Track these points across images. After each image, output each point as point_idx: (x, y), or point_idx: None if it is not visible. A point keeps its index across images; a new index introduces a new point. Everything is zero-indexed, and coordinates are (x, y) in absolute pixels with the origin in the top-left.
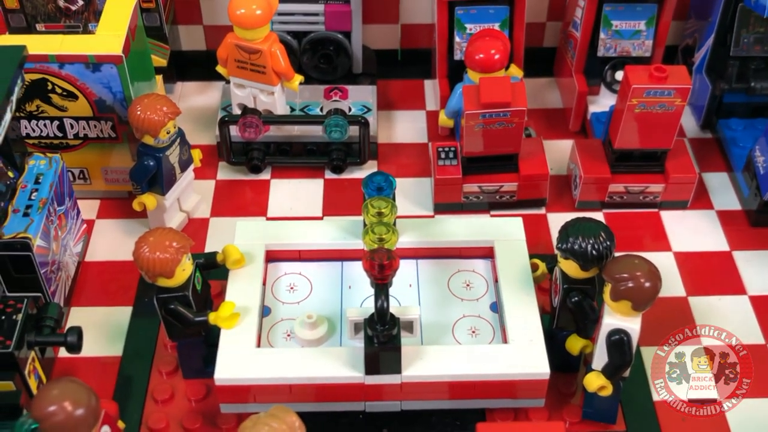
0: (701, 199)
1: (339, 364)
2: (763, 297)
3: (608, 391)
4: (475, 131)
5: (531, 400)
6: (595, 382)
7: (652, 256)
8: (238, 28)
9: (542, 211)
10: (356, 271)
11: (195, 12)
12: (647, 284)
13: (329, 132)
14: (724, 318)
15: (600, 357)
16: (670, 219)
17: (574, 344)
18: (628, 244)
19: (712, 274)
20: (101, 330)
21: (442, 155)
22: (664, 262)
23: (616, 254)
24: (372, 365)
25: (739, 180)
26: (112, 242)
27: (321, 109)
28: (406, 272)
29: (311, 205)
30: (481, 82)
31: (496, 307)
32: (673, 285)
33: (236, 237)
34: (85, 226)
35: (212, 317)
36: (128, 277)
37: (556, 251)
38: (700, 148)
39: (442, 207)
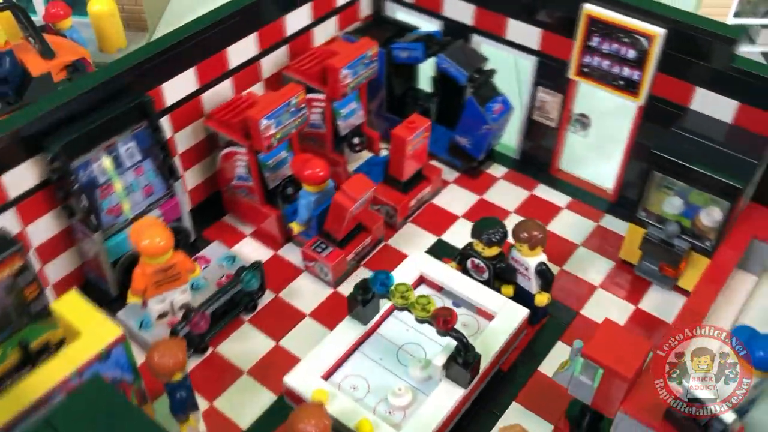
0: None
1: None
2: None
3: (549, 299)
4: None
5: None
6: (543, 298)
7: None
8: (152, 258)
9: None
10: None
11: None
12: (542, 235)
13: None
14: None
15: (536, 284)
16: (441, 199)
17: (505, 289)
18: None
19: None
20: None
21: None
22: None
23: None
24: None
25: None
26: None
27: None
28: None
29: None
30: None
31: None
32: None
33: None
34: None
35: None
36: None
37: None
38: None
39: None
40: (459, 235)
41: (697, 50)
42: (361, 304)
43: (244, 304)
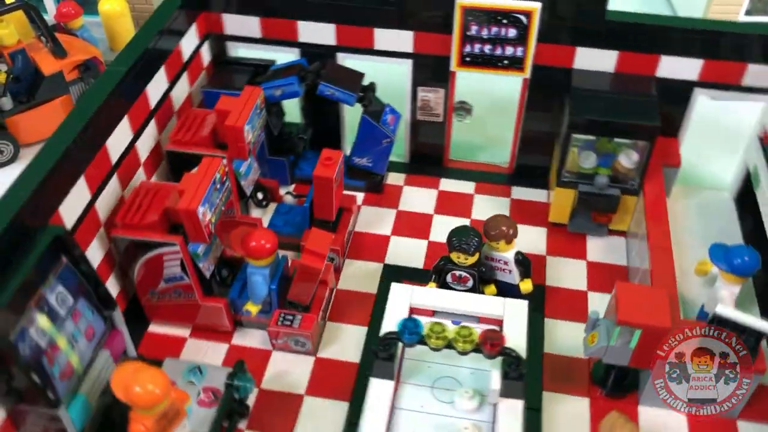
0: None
1: None
2: None
3: (531, 285)
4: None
5: None
6: (528, 285)
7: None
8: (150, 409)
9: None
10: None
11: None
12: (514, 228)
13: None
14: None
15: (517, 275)
16: (362, 225)
17: (488, 290)
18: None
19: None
20: None
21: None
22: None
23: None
24: None
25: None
26: None
27: None
28: None
29: None
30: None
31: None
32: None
33: None
34: None
35: None
36: None
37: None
38: None
39: None
40: (401, 253)
41: (573, 14)
42: (389, 360)
43: (239, 412)
